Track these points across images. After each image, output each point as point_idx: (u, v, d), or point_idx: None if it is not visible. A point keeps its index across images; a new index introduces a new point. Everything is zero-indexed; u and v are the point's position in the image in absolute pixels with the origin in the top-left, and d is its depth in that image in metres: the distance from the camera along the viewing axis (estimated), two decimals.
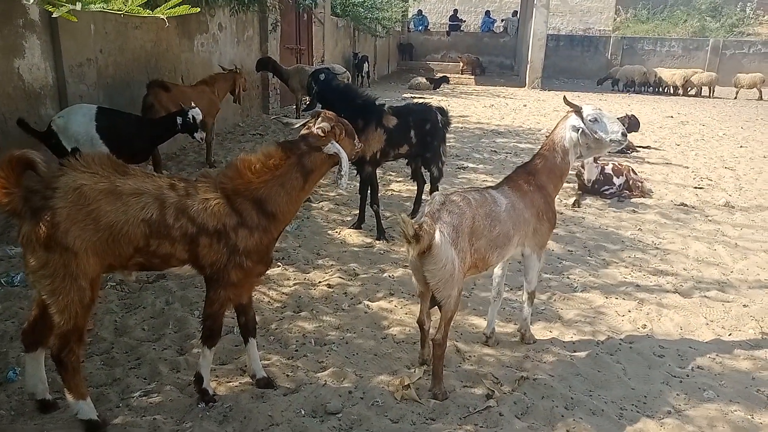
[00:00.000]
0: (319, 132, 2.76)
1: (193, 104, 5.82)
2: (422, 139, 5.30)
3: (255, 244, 2.70)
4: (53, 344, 2.54)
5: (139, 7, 1.31)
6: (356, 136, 2.98)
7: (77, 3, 1.24)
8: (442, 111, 5.45)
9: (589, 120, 3.32)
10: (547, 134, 3.57)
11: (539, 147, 3.54)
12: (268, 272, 4.29)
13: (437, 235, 2.75)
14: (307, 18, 14.79)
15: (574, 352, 3.59)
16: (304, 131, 2.83)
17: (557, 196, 5.83)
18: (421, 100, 5.88)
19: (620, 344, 3.68)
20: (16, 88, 5.45)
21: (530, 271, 3.46)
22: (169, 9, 1.38)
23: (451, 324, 3.06)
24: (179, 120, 5.66)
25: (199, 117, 5.77)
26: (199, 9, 1.40)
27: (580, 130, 3.33)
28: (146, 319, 3.79)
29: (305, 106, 5.42)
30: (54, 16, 1.19)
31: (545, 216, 3.31)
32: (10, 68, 5.35)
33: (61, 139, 5.31)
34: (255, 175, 2.70)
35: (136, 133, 5.52)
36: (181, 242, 2.59)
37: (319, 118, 2.81)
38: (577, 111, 3.38)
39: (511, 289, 4.42)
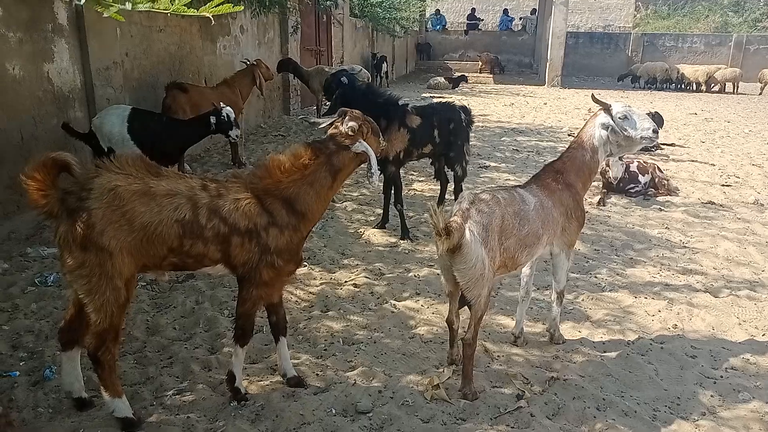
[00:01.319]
0: (348, 131, 2.77)
1: (222, 104, 5.84)
2: (446, 138, 5.29)
3: (285, 243, 2.72)
4: (90, 343, 2.58)
5: (184, 6, 1.32)
6: (380, 134, 2.99)
7: (127, 2, 1.25)
8: (466, 110, 5.44)
9: (619, 117, 3.29)
10: (574, 132, 3.53)
11: (568, 145, 3.52)
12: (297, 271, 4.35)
13: (467, 233, 2.74)
14: (327, 19, 14.85)
15: (604, 352, 3.56)
16: (331, 131, 2.84)
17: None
18: (442, 100, 5.85)
19: (651, 344, 3.64)
20: (46, 91, 5.55)
21: (559, 270, 3.43)
22: (214, 8, 1.39)
23: (482, 322, 3.05)
24: (213, 120, 5.68)
25: (233, 115, 5.80)
26: (242, 7, 1.41)
27: (610, 127, 3.29)
28: (177, 318, 3.83)
29: (327, 109, 5.42)
30: (105, 16, 1.21)
31: (574, 215, 3.28)
32: (40, 72, 5.46)
33: (99, 138, 5.43)
34: (284, 175, 2.72)
35: (167, 134, 5.58)
36: (213, 242, 2.62)
37: (347, 117, 2.82)
38: (607, 108, 3.34)
39: (538, 289, 4.38)
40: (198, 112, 6.64)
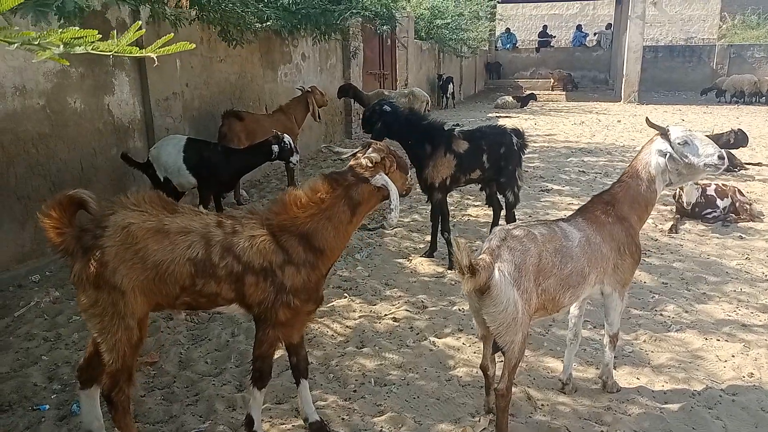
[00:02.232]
0: (367, 162, 2.62)
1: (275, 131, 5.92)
2: (496, 163, 5.03)
3: (302, 282, 2.59)
4: (104, 383, 2.54)
5: (129, 47, 1.22)
6: (407, 170, 2.80)
7: (60, 45, 1.16)
8: (518, 133, 5.16)
9: (678, 143, 2.94)
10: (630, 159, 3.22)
11: (621, 174, 3.19)
12: (327, 306, 4.21)
13: (496, 273, 2.50)
14: (391, 43, 14.91)
15: (665, 403, 3.16)
16: (352, 161, 2.70)
17: (651, 221, 5.33)
18: (503, 120, 5.62)
19: (721, 396, 3.20)
20: (106, 123, 5.78)
21: (611, 311, 3.09)
22: (159, 48, 1.28)
23: (517, 371, 2.77)
24: (275, 148, 5.73)
25: (292, 143, 5.85)
26: (194, 46, 1.29)
27: (668, 154, 2.96)
28: (210, 351, 3.78)
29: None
30: (40, 59, 1.12)
31: (627, 250, 2.95)
32: (101, 105, 5.69)
33: (156, 168, 5.58)
34: (301, 210, 2.60)
35: (222, 162, 5.66)
36: (226, 281, 2.52)
37: (369, 149, 2.67)
38: (664, 133, 3.00)
39: (594, 327, 4.02)
40: (253, 140, 6.75)
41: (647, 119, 3.18)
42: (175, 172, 5.59)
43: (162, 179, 5.61)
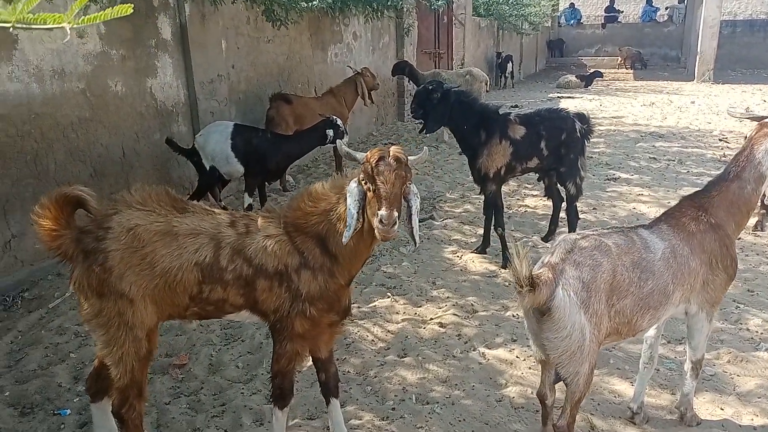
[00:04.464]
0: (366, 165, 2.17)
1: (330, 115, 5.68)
2: (555, 151, 4.52)
3: (319, 289, 2.25)
4: (114, 399, 2.30)
5: (41, 15, 0.89)
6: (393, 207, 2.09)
7: None
8: (582, 118, 4.60)
9: None
10: (727, 136, 2.68)
11: (719, 173, 2.67)
12: (369, 306, 3.87)
13: (560, 293, 2.08)
14: (447, 20, 14.29)
15: None
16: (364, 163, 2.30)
17: None
18: (565, 102, 5.08)
19: None
20: (149, 107, 5.61)
21: (696, 334, 2.61)
22: (80, 17, 0.94)
23: (580, 406, 2.35)
24: (330, 132, 5.48)
25: (342, 125, 5.63)
26: (131, 8, 0.95)
27: None
28: (243, 354, 3.53)
29: (420, 128, 4.87)
30: None
31: (720, 264, 2.46)
32: (143, 88, 5.52)
33: (202, 156, 5.39)
34: (315, 206, 2.24)
35: (273, 151, 5.42)
36: (234, 286, 2.23)
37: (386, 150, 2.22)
38: None
39: (668, 342, 3.52)
40: (301, 124, 6.48)
41: (728, 111, 2.64)
42: (223, 161, 5.37)
43: (208, 168, 5.41)
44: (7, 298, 4.12)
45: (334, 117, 5.68)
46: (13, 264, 4.36)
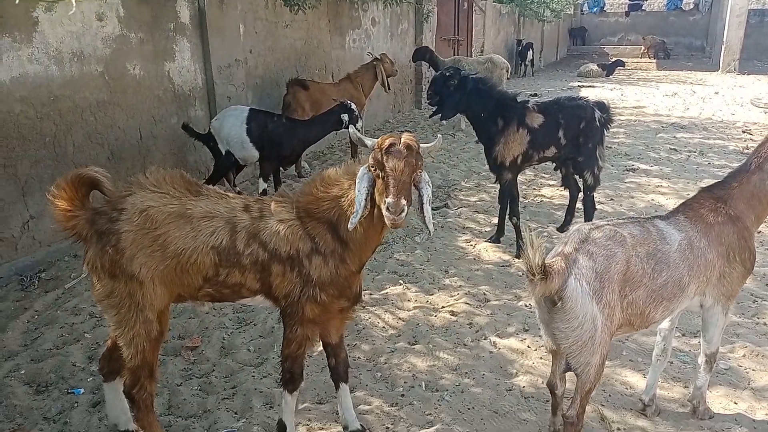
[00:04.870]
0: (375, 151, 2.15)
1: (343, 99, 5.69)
2: (573, 140, 4.45)
3: (330, 275, 2.24)
4: (125, 379, 2.33)
5: None
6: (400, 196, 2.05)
7: None
8: (601, 106, 4.52)
9: None
10: (750, 128, 2.61)
11: (740, 165, 2.61)
12: (381, 293, 3.86)
13: (572, 282, 2.06)
14: (468, 7, 14.13)
15: None
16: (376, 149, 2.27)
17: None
18: (586, 90, 5.00)
19: None
20: (166, 90, 5.63)
21: (711, 327, 2.57)
22: None
23: (591, 396, 2.33)
24: (345, 117, 5.49)
25: (356, 110, 5.65)
26: None
27: None
28: (254, 338, 3.55)
29: (432, 112, 4.81)
30: None
31: (738, 257, 2.41)
32: (161, 72, 5.53)
33: (218, 141, 5.41)
34: (327, 192, 2.23)
35: (288, 136, 5.44)
36: (251, 270, 2.23)
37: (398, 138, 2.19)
38: None
39: (683, 335, 3.47)
40: (318, 110, 6.48)
41: (752, 101, 2.56)
42: (238, 146, 5.39)
43: (224, 152, 5.44)
44: (25, 278, 4.19)
45: (349, 101, 5.67)
46: (31, 244, 4.43)
